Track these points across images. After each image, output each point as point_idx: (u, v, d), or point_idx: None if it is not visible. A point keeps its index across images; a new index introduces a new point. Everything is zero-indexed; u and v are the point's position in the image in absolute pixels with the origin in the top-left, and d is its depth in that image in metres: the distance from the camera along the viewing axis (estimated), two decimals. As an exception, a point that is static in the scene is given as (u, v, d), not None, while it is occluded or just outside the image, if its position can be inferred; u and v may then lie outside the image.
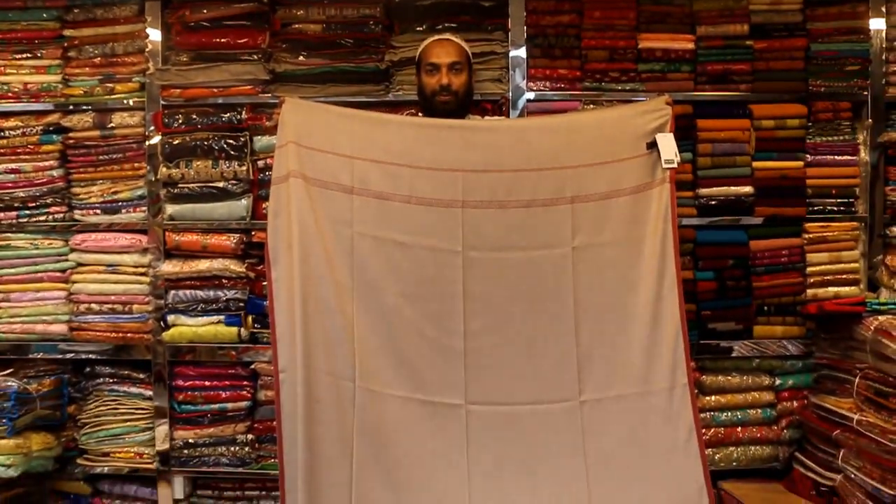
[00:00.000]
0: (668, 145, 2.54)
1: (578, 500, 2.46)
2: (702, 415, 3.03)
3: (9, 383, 2.92)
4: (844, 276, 3.15)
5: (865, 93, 3.14)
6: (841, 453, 2.69)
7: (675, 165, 2.53)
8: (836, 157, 3.15)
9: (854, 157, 3.15)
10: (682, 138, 3.06)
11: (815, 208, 3.15)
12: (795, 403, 3.10)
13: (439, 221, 2.54)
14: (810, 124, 3.14)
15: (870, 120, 3.13)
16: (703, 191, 3.12)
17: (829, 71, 3.14)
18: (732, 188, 3.11)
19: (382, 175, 2.55)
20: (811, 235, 3.13)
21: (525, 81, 3.11)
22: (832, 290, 3.14)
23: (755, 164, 3.12)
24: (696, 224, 3.11)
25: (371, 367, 2.49)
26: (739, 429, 3.09)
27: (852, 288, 3.14)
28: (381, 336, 2.52)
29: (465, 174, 2.55)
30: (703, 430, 3.00)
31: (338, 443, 2.44)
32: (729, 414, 3.09)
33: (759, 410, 3.10)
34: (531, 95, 3.12)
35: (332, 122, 2.63)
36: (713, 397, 3.09)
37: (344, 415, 2.46)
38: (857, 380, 2.65)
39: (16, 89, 3.24)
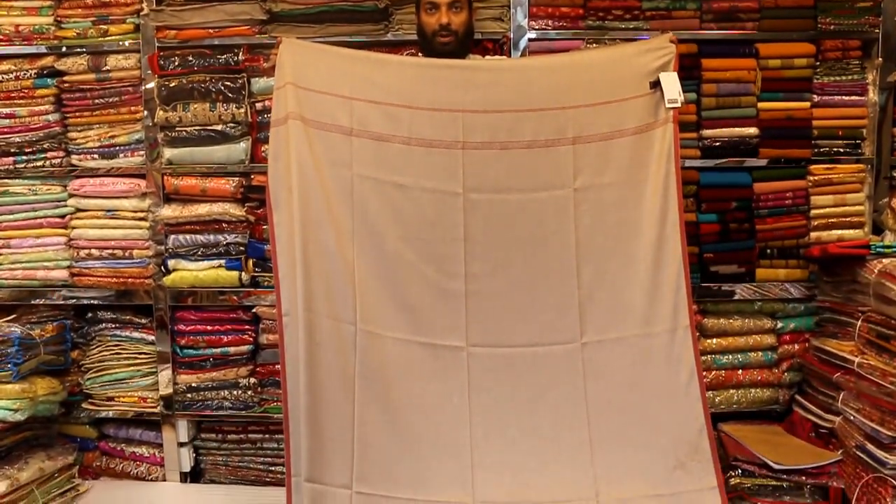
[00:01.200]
0: (671, 84, 2.50)
1: (579, 441, 2.49)
2: (703, 357, 3.04)
3: (12, 329, 2.92)
4: (849, 219, 3.12)
5: (877, 30, 3.06)
6: (841, 396, 2.71)
7: (679, 105, 2.49)
8: (843, 97, 3.10)
9: (862, 98, 3.09)
10: (687, 78, 2.99)
11: (821, 150, 3.11)
12: (797, 346, 3.10)
13: (440, 163, 2.52)
14: (818, 64, 3.08)
15: (880, 59, 3.06)
16: (707, 132, 3.07)
17: (839, 8, 3.06)
18: (737, 129, 3.07)
19: (382, 116, 2.52)
20: (816, 177, 3.09)
21: (527, 20, 3.04)
22: (836, 232, 3.11)
23: (760, 104, 3.08)
24: (700, 166, 3.07)
25: (372, 310, 2.49)
26: (740, 371, 3.10)
27: (856, 231, 3.11)
28: (381, 279, 2.51)
29: (465, 115, 2.52)
30: (704, 373, 3.01)
31: (339, 385, 2.46)
32: (730, 357, 3.10)
33: (761, 353, 3.11)
34: (533, 34, 3.05)
35: (331, 62, 2.59)
36: (715, 340, 3.09)
37: (345, 357, 2.47)
38: (859, 323, 2.65)
39: (7, 31, 3.18)
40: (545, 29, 3.06)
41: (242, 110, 3.06)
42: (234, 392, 3.18)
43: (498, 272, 2.54)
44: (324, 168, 2.50)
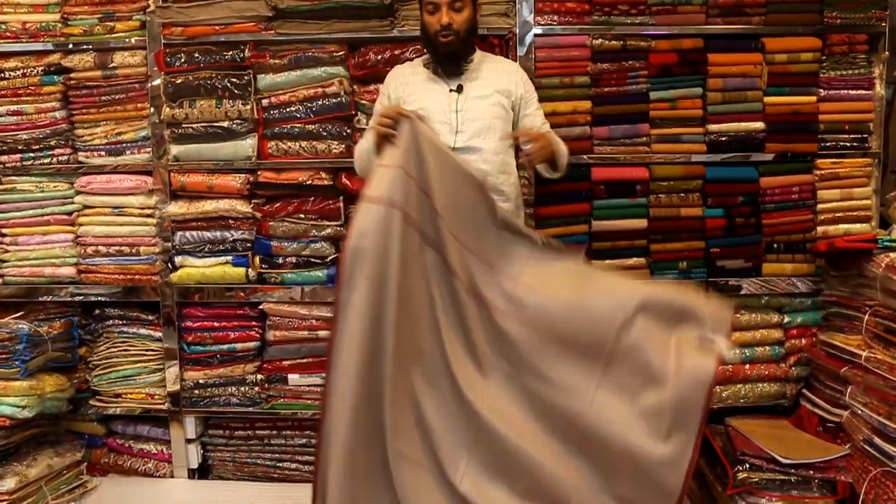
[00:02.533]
0: None
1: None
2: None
3: (20, 326, 2.93)
4: (855, 213, 3.12)
5: (883, 24, 3.05)
6: (848, 390, 2.71)
7: None
8: (850, 91, 3.09)
9: (869, 92, 3.09)
10: (692, 73, 3.04)
11: (828, 144, 3.10)
12: (804, 341, 3.10)
13: None
14: (824, 58, 3.07)
15: (886, 52, 3.06)
16: (713, 127, 3.07)
17: (846, 2, 3.05)
18: (743, 124, 3.07)
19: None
20: (822, 172, 3.09)
21: (532, 16, 3.04)
22: (843, 227, 3.11)
23: (767, 99, 3.07)
24: (706, 161, 3.08)
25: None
26: (747, 366, 3.10)
27: (863, 225, 3.11)
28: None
29: None
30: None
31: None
32: (737, 351, 3.09)
33: (768, 348, 3.11)
34: (539, 30, 3.05)
35: (436, 166, 2.36)
36: (721, 335, 3.09)
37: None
38: (866, 317, 2.65)
39: (14, 29, 3.18)
40: (551, 24, 3.06)
41: (248, 107, 3.07)
42: (241, 388, 3.18)
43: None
44: (411, 271, 2.27)
